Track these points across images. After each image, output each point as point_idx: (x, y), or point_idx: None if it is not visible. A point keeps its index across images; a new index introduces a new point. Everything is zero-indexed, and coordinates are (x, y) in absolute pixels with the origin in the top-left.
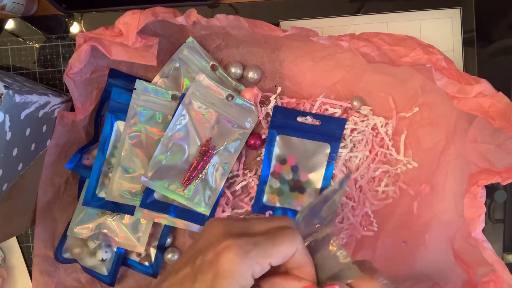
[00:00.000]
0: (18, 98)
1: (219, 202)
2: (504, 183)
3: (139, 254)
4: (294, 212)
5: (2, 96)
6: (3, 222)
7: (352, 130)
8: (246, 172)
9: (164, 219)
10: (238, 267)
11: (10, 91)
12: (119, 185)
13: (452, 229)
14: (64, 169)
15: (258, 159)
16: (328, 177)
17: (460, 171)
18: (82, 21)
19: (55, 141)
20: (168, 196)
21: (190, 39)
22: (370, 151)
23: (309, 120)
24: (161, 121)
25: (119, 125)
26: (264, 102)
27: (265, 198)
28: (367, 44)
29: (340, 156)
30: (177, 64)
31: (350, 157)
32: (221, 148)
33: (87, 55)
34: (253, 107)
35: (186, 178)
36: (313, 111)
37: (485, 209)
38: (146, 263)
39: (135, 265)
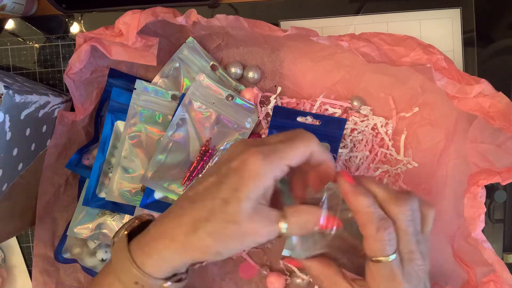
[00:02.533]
0: (18, 98)
1: None
2: (504, 183)
3: None
4: None
5: (2, 96)
6: (3, 222)
7: (352, 130)
8: None
9: None
10: (262, 168)
11: (10, 91)
12: (119, 185)
13: (452, 229)
14: (64, 169)
15: None
16: None
17: (460, 171)
18: (82, 21)
19: (55, 141)
20: (168, 196)
21: (190, 39)
22: (370, 151)
23: (309, 120)
24: (161, 121)
25: (119, 125)
26: (264, 102)
27: None
28: (367, 44)
29: (340, 156)
30: (177, 64)
31: (350, 157)
32: (221, 148)
33: (87, 55)
34: (253, 107)
35: (186, 178)
36: (313, 111)
37: (485, 209)
38: None
39: None
